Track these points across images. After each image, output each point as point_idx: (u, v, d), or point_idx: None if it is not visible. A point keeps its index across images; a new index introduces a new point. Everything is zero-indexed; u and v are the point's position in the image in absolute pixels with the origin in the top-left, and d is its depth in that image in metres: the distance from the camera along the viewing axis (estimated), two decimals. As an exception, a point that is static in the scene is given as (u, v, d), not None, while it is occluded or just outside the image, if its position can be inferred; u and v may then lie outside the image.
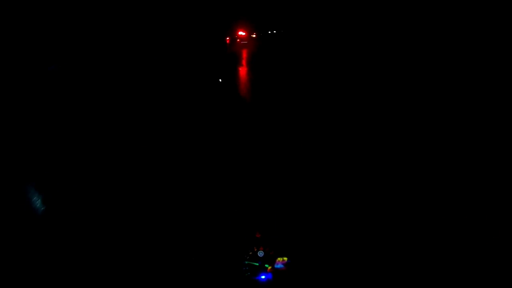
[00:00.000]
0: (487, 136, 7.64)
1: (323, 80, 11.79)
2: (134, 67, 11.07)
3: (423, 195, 5.60)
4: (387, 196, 5.17)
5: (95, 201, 5.17)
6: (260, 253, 3.15)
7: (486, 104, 8.71)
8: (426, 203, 5.39)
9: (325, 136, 8.13)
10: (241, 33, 12.75)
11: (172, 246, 3.56)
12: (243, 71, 11.71)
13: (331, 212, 4.17)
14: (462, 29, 9.88)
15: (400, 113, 9.13)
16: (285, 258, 2.98)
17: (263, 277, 2.87)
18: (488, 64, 9.58)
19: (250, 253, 3.17)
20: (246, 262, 3.13)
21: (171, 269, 3.28)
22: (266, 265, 3.06)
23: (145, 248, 3.66)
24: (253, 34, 13.05)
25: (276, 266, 2.97)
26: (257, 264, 3.10)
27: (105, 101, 9.73)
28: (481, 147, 7.23)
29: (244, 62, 12.20)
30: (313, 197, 4.75)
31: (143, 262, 3.46)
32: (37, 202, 5.27)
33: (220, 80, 10.47)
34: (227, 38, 12.48)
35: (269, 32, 13.67)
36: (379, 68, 11.52)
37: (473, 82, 9.46)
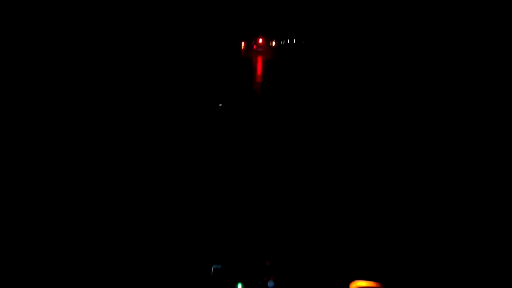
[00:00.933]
0: (486, 135, 7.40)
1: (338, 93, 11.50)
2: (148, 65, 10.84)
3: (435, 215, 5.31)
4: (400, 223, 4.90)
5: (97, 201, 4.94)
6: (270, 284, 2.83)
7: (486, 103, 8.48)
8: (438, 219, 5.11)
9: (339, 150, 7.89)
10: (258, 40, 12.53)
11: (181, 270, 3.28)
12: (256, 77, 11.45)
13: (345, 239, 3.89)
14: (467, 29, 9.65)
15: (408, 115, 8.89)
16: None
17: None
18: (487, 64, 9.34)
19: (260, 283, 2.85)
20: (254, 292, 2.82)
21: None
22: (276, 297, 2.75)
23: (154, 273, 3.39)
24: (272, 42, 12.83)
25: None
26: (266, 295, 2.79)
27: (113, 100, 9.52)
28: (480, 147, 6.98)
29: (258, 69, 11.91)
30: (329, 222, 4.46)
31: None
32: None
33: (220, 105, 10.33)
34: (242, 43, 12.27)
35: (288, 41, 13.40)
36: (388, 80, 11.23)
37: (473, 82, 9.23)
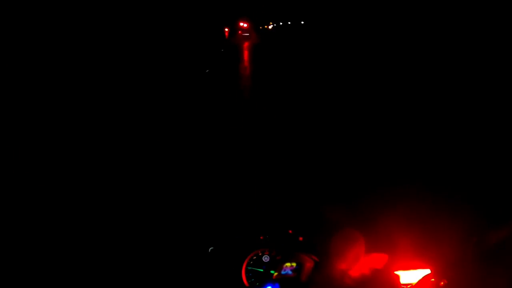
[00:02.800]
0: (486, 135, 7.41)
1: (329, 78, 11.42)
2: (131, 58, 10.72)
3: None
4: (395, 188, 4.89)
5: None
6: (265, 258, 2.84)
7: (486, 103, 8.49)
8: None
9: (329, 127, 7.90)
10: (243, 24, 12.24)
11: (171, 246, 3.26)
12: (241, 65, 11.24)
13: (343, 209, 3.88)
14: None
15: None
16: (294, 264, 2.65)
17: (269, 287, 2.55)
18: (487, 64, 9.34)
19: (254, 257, 2.86)
20: (249, 268, 2.82)
21: (169, 272, 3.00)
22: (272, 271, 2.75)
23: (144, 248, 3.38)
24: (267, 26, 12.49)
25: (283, 272, 2.65)
26: (262, 270, 2.79)
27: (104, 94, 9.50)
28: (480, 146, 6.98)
29: (244, 56, 11.71)
30: (323, 192, 4.44)
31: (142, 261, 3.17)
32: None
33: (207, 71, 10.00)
34: (226, 29, 11.97)
35: (281, 23, 13.23)
36: (378, 66, 11.12)
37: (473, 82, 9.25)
